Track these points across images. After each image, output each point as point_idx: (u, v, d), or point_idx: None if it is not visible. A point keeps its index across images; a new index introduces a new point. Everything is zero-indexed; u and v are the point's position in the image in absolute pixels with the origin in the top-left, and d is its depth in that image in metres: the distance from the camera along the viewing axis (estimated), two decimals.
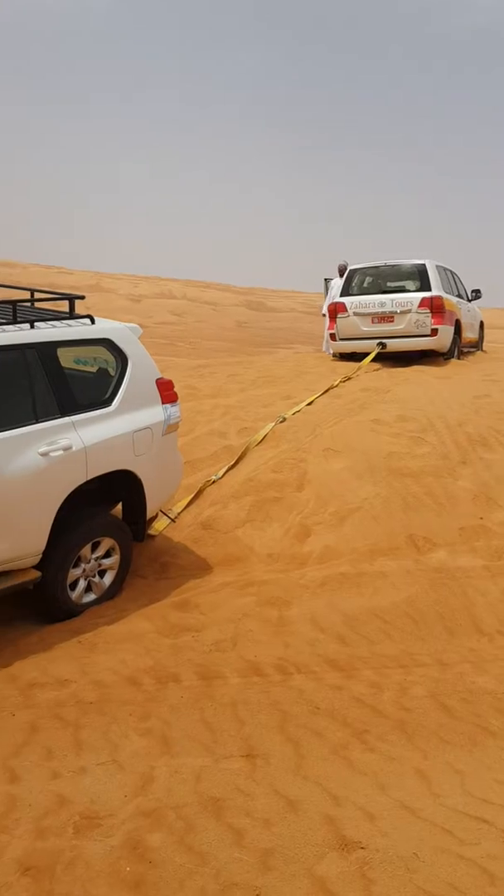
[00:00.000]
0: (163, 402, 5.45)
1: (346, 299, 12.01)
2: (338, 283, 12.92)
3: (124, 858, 2.79)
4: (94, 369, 5.48)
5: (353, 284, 12.21)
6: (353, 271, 12.37)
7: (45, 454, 4.60)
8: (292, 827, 3.02)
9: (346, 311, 11.89)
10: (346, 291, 12.18)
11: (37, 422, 4.64)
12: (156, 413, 5.38)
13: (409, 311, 11.51)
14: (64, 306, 5.17)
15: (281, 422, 8.31)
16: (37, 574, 4.71)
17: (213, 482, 7.04)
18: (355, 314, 11.83)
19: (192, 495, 6.77)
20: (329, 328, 12.43)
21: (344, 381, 10.29)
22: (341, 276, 12.89)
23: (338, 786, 3.37)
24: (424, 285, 11.71)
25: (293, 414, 8.61)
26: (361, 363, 11.36)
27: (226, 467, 7.29)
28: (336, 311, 12.02)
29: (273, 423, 8.25)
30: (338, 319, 12.01)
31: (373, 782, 3.41)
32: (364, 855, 2.85)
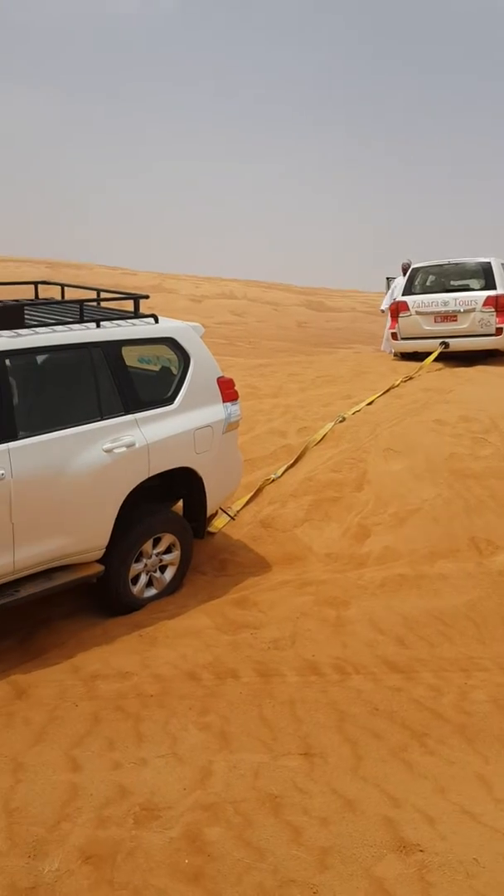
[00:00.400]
0: (224, 401, 5.48)
1: (408, 298, 11.87)
2: (400, 282, 12.79)
3: (183, 850, 2.82)
4: (157, 368, 5.55)
5: (416, 283, 12.07)
6: (416, 270, 12.22)
7: (109, 451, 4.68)
8: (350, 826, 3.01)
9: (409, 309, 11.76)
10: (408, 290, 12.05)
11: (101, 419, 4.73)
12: (217, 411, 5.42)
13: (473, 310, 11.31)
14: (129, 306, 5.25)
15: (340, 421, 8.27)
16: (100, 568, 4.80)
17: (272, 481, 7.06)
18: (417, 313, 11.69)
19: (252, 494, 6.80)
20: (390, 327, 12.31)
21: (405, 381, 10.18)
22: (404, 274, 12.76)
23: (396, 788, 3.35)
24: (489, 283, 11.49)
25: (353, 413, 8.57)
26: (423, 363, 11.22)
27: (285, 466, 7.30)
28: (398, 310, 11.90)
29: (333, 423, 8.22)
30: (399, 318, 11.88)
31: (432, 786, 3.38)
32: (423, 858, 2.83)
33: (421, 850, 2.87)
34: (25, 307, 4.71)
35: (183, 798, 3.19)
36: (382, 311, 13.09)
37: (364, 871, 2.74)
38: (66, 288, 5.65)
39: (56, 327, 4.64)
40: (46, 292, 5.83)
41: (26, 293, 5.88)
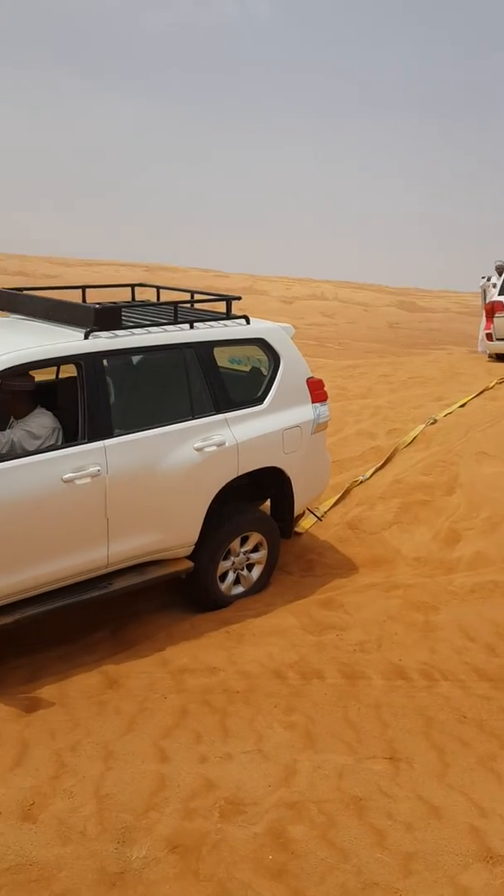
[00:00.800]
0: (313, 402, 5.49)
1: None
2: (496, 282, 12.47)
3: (267, 846, 2.85)
4: (247, 368, 5.61)
5: None
6: None
7: (199, 449, 4.77)
8: (435, 833, 2.97)
9: None
10: None
11: (193, 418, 4.82)
12: (306, 412, 5.43)
13: None
14: (221, 307, 5.32)
15: (432, 423, 8.14)
16: (189, 564, 4.89)
17: (361, 483, 7.01)
18: None
19: (339, 495, 6.77)
20: (485, 328, 12.02)
21: (500, 383, 9.92)
22: (500, 275, 12.43)
23: (484, 797, 3.28)
24: None
25: (445, 416, 8.41)
26: None
27: (374, 468, 7.24)
28: (493, 310, 11.61)
29: (423, 425, 8.10)
30: (495, 319, 11.59)
31: None
32: None
33: None
34: (123, 309, 4.84)
35: (268, 795, 3.22)
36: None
37: (449, 879, 2.70)
38: (161, 290, 5.78)
39: (151, 328, 4.76)
40: (143, 294, 5.98)
41: (124, 295, 6.04)
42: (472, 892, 2.64)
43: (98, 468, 4.30)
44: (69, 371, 4.92)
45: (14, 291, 5.16)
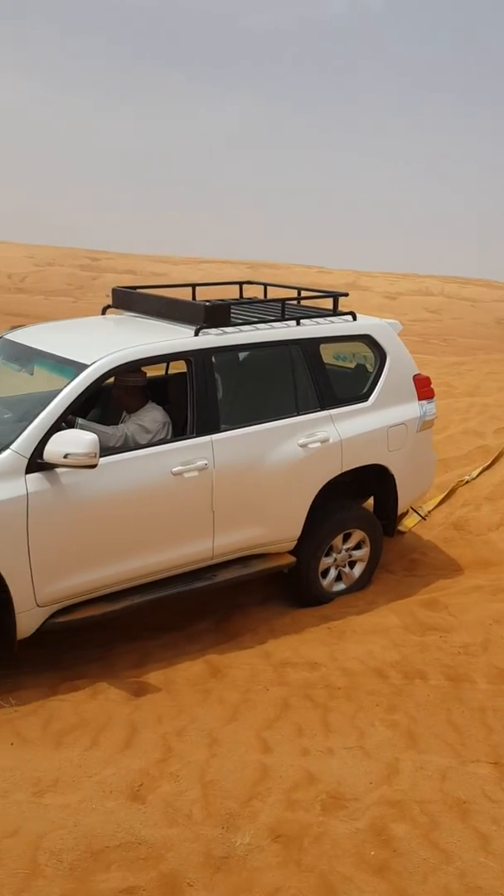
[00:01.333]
0: (419, 399, 5.42)
1: None
2: None
3: (369, 842, 2.86)
4: (352, 365, 5.59)
5: None
6: None
7: (304, 445, 4.79)
8: None
9: None
10: None
11: (298, 414, 4.85)
12: (411, 409, 5.36)
13: None
14: (327, 304, 5.33)
15: None
16: (291, 559, 4.93)
17: (467, 482, 6.87)
18: None
19: (444, 494, 6.66)
20: None
21: None
22: None
23: None
24: None
25: None
26: None
27: (480, 468, 7.07)
28: None
29: None
30: None
31: None
32: None
33: None
34: (232, 306, 4.92)
35: (369, 792, 3.22)
36: None
37: None
38: (268, 287, 5.83)
39: (259, 325, 4.82)
40: (249, 292, 6.05)
41: (232, 293, 6.12)
42: None
43: (205, 462, 4.40)
44: (178, 367, 5.05)
45: (128, 290, 5.33)
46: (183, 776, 3.26)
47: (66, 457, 3.82)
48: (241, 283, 6.04)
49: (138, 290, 5.31)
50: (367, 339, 5.27)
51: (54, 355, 4.46)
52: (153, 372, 4.94)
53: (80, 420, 4.23)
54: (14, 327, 5.35)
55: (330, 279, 31.36)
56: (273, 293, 5.67)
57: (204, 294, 5.43)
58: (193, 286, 5.62)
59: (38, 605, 3.98)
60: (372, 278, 33.28)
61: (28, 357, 4.69)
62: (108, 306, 5.40)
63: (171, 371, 5.36)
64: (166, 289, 5.49)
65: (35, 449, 3.90)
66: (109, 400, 4.86)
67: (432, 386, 5.61)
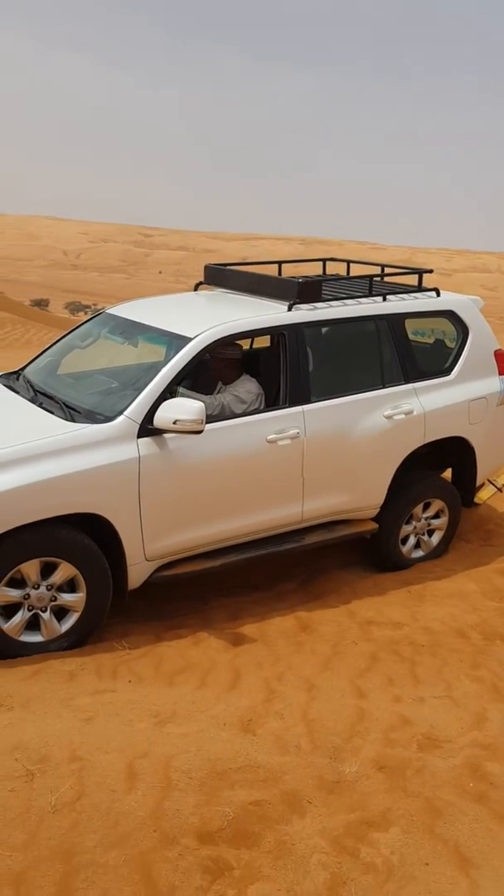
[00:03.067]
0: (500, 374, 5.58)
1: None
2: None
3: (466, 776, 3.12)
4: (430, 340, 5.78)
5: None
6: None
7: (389, 417, 5.02)
8: None
9: None
10: None
11: (384, 387, 5.07)
12: (492, 384, 5.53)
13: None
14: (409, 280, 5.50)
15: None
16: (374, 525, 5.18)
17: None
18: None
19: None
20: None
21: None
22: None
23: None
24: None
25: None
26: None
27: None
28: None
29: None
30: None
31: None
32: None
33: None
34: (322, 283, 5.15)
35: (461, 735, 3.47)
36: None
37: None
38: (351, 264, 6.02)
39: (347, 301, 5.04)
40: (332, 269, 6.25)
41: (313, 269, 6.33)
42: None
43: (297, 431, 4.66)
44: (263, 342, 5.31)
45: (220, 266, 5.58)
46: (287, 714, 3.56)
47: (175, 423, 4.12)
48: (324, 260, 6.25)
49: (230, 268, 5.57)
50: (451, 315, 5.44)
51: (159, 329, 4.75)
52: (245, 345, 5.20)
53: (180, 389, 4.52)
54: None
55: (385, 255, 31.25)
56: (356, 269, 5.87)
57: (288, 271, 5.67)
58: (280, 263, 5.86)
59: (146, 560, 4.31)
60: (427, 254, 33.12)
61: (132, 330, 5.00)
62: (200, 283, 5.68)
63: (255, 345, 5.62)
64: (255, 266, 5.73)
65: (146, 415, 4.21)
66: (202, 371, 5.14)
67: None
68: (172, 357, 4.43)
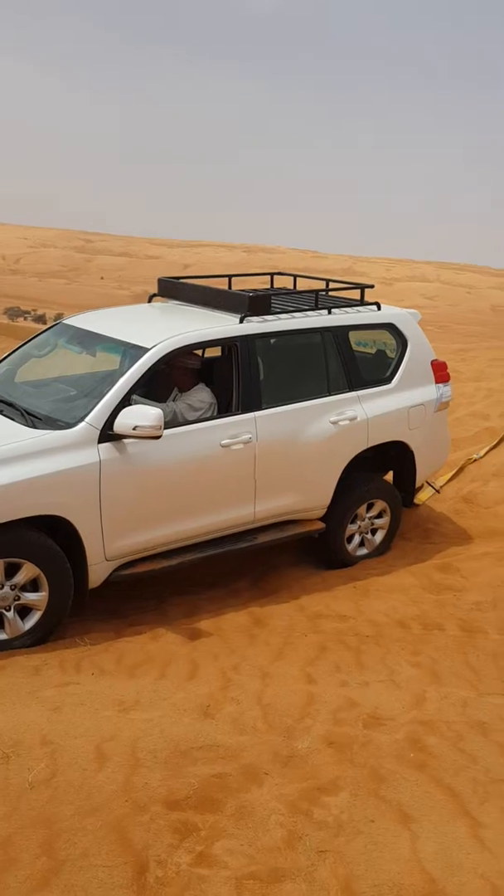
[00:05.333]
0: (436, 382, 5.97)
1: None
2: None
3: (407, 748, 3.43)
4: (372, 351, 6.13)
5: None
6: None
7: (335, 422, 5.34)
8: None
9: None
10: None
11: (329, 394, 5.40)
12: (429, 391, 5.91)
13: None
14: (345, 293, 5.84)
15: None
16: (322, 525, 5.50)
17: (475, 460, 7.43)
18: None
19: (455, 471, 7.22)
20: None
21: None
22: None
23: None
24: None
25: None
26: None
27: (487, 447, 7.64)
28: None
29: None
30: None
31: None
32: None
33: None
34: (272, 296, 5.45)
35: (403, 714, 3.78)
36: None
37: None
38: (297, 278, 6.34)
39: (295, 314, 5.35)
40: (279, 282, 6.56)
41: (261, 283, 6.62)
42: None
43: (249, 436, 4.94)
44: (215, 352, 5.58)
45: (173, 280, 5.84)
46: (243, 700, 3.82)
47: (135, 429, 4.36)
48: (272, 274, 6.56)
49: (183, 281, 5.82)
50: (391, 328, 5.80)
51: (117, 339, 4.98)
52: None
53: (135, 397, 4.76)
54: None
55: (326, 263, 31.82)
56: (302, 284, 6.20)
57: (237, 284, 5.95)
58: (230, 277, 6.14)
59: (106, 559, 4.53)
60: (368, 263, 33.72)
61: (90, 341, 5.21)
62: (155, 294, 5.92)
63: (207, 355, 5.88)
64: (205, 279, 5.99)
65: (106, 422, 4.43)
66: (155, 380, 5.37)
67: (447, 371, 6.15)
68: (131, 366, 4.66)
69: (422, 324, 6.06)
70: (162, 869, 2.47)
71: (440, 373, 5.99)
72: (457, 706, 3.90)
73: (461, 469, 7.28)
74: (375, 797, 3.00)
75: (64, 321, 5.60)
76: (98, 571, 4.53)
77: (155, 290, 5.93)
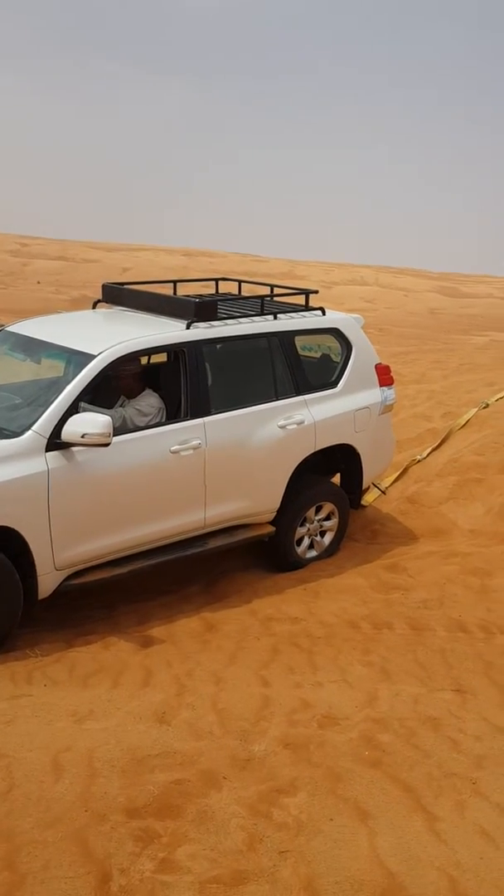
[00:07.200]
0: (380, 385, 6.07)
1: None
2: None
3: (362, 747, 3.49)
4: (318, 355, 6.21)
5: None
6: None
7: (283, 427, 5.39)
8: (501, 743, 3.58)
9: None
10: None
11: (277, 399, 5.45)
12: (374, 395, 6.02)
13: None
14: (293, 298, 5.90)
15: (484, 407, 8.66)
16: (271, 529, 5.54)
17: (419, 461, 7.58)
18: None
19: (399, 472, 7.36)
20: None
21: None
22: None
23: None
24: None
25: (496, 400, 8.92)
26: None
27: (430, 448, 7.80)
28: None
29: (476, 409, 8.62)
30: None
31: None
32: None
33: None
34: (218, 302, 5.47)
35: (356, 713, 3.85)
36: None
37: None
38: (242, 283, 6.38)
39: (241, 319, 5.38)
40: (225, 287, 6.59)
41: (205, 288, 6.64)
42: None
43: (199, 442, 4.95)
44: (161, 357, 5.58)
45: (118, 286, 5.81)
46: (198, 705, 3.83)
47: (83, 436, 4.32)
48: (216, 280, 6.58)
49: (127, 287, 5.80)
50: (336, 332, 5.89)
51: (63, 346, 4.93)
52: (144, 361, 5.44)
53: (83, 404, 4.72)
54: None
55: (266, 267, 31.84)
56: (247, 289, 6.24)
57: (183, 289, 5.97)
58: (174, 282, 6.15)
59: (56, 569, 4.48)
60: (307, 267, 33.86)
61: (34, 348, 5.15)
62: (98, 301, 5.88)
63: (154, 360, 5.87)
64: (150, 285, 5.98)
65: (53, 430, 4.39)
66: (102, 386, 5.34)
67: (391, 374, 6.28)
68: (77, 373, 4.62)
69: (363, 327, 6.16)
70: (125, 877, 2.47)
71: (384, 376, 6.10)
72: (408, 703, 3.99)
73: (405, 470, 7.42)
74: (333, 796, 3.04)
75: (7, 328, 5.51)
76: (48, 581, 4.47)
77: (94, 294, 5.90)
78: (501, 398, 8.98)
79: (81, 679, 4.11)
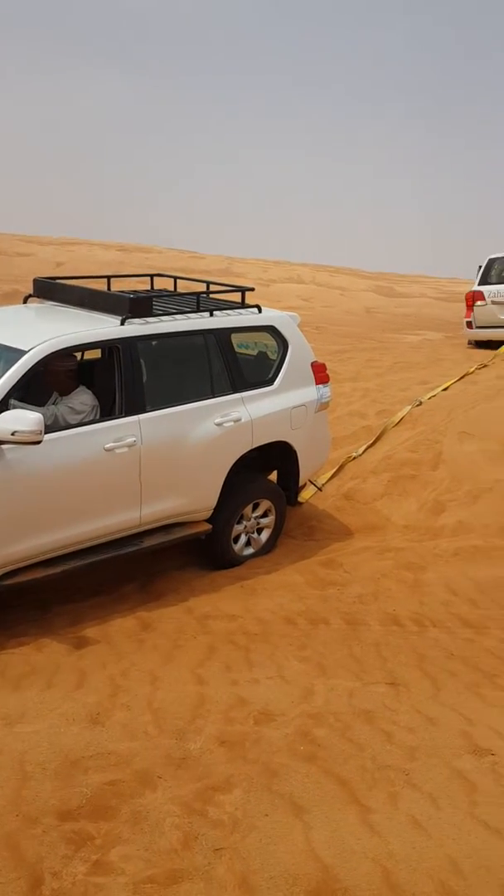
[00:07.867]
0: (316, 383, 6.11)
1: (484, 288, 12.26)
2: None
3: (298, 742, 3.51)
4: (254, 353, 6.21)
5: (493, 273, 12.44)
6: (493, 260, 12.59)
7: (219, 424, 5.38)
8: (433, 734, 3.65)
9: (484, 299, 12.15)
10: (484, 280, 12.43)
11: (213, 396, 5.43)
12: (310, 392, 6.05)
13: None
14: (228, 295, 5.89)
15: (417, 405, 8.82)
16: (208, 527, 5.52)
17: (354, 458, 7.67)
18: (493, 303, 12.08)
19: (335, 469, 7.43)
20: (466, 316, 12.72)
21: (479, 369, 10.63)
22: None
23: (471, 712, 3.96)
24: None
25: (429, 398, 9.10)
26: (498, 351, 11.62)
27: (365, 445, 7.90)
28: (473, 299, 12.30)
29: (410, 406, 8.78)
30: (475, 308, 12.28)
31: (502, 713, 3.97)
32: (494, 759, 3.45)
33: (493, 754, 3.49)
34: (153, 298, 5.42)
35: (292, 708, 3.87)
36: None
37: (446, 764, 3.38)
38: (178, 280, 6.34)
39: (177, 316, 5.35)
40: (160, 283, 6.54)
41: (141, 283, 6.58)
42: (465, 772, 3.32)
43: (134, 439, 4.90)
44: (95, 353, 5.50)
45: (50, 280, 5.70)
46: (133, 706, 3.79)
47: (13, 434, 4.23)
48: (152, 276, 6.52)
49: (59, 281, 5.70)
50: (272, 330, 5.90)
51: None
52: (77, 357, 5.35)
53: (13, 402, 4.62)
54: None
55: (203, 264, 31.75)
56: (183, 285, 6.20)
57: (116, 284, 5.89)
58: (109, 277, 6.06)
59: None
60: (245, 264, 33.91)
61: None
62: (30, 295, 5.76)
63: (87, 357, 5.78)
64: (84, 280, 5.89)
65: None
66: (33, 383, 5.23)
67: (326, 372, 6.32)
68: (7, 369, 4.52)
69: (299, 325, 6.19)
70: (58, 881, 2.42)
71: (320, 374, 6.14)
72: (343, 697, 4.03)
73: (341, 467, 7.50)
74: (268, 792, 3.05)
75: None
76: None
77: (26, 289, 5.78)
78: (434, 396, 9.16)
79: (13, 681, 4.02)
